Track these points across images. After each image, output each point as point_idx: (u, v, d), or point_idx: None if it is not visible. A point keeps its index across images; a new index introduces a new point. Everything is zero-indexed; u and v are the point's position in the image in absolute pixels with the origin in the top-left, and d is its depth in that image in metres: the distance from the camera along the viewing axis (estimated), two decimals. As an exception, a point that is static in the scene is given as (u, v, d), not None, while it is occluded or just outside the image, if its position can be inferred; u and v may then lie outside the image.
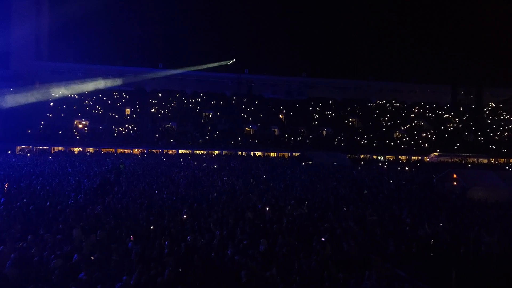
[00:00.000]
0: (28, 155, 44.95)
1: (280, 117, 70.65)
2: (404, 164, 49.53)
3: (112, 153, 50.98)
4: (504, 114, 76.00)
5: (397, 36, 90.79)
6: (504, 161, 57.95)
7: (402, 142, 63.15)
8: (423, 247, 11.41)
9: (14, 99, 55.68)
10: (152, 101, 68.72)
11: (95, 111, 63.39)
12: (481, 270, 9.63)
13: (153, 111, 65.70)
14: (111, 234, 10.51)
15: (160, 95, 70.98)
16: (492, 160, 57.48)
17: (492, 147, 61.08)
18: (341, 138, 62.47)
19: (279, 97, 75.49)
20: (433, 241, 11.77)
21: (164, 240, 9.93)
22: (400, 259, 10.07)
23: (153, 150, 53.42)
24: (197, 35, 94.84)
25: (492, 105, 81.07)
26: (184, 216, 13.13)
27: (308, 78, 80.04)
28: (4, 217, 11.84)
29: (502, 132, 68.01)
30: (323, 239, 10.51)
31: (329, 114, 71.97)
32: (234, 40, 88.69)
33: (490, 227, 13.08)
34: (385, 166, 42.54)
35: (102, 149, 52.51)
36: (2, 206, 13.07)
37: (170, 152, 53.68)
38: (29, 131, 53.46)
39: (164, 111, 66.33)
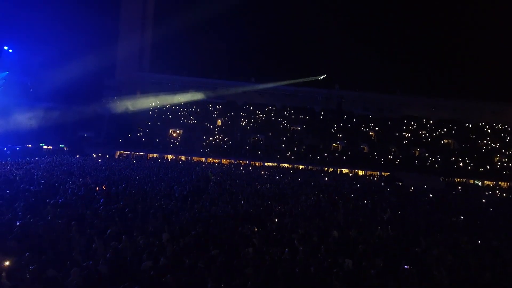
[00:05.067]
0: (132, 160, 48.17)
1: (370, 134, 68.86)
2: (505, 191, 45.79)
3: (202, 162, 52.99)
4: None
5: (500, 53, 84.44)
6: None
7: (503, 167, 58.48)
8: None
9: (117, 107, 60.24)
10: (242, 113, 70.46)
11: (188, 121, 66.41)
12: None
13: (243, 124, 67.29)
14: (198, 241, 10.83)
15: (250, 108, 72.57)
16: None
17: None
18: (435, 159, 59.36)
19: (370, 114, 73.59)
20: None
21: (248, 251, 10.03)
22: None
23: (241, 161, 54.60)
24: (289, 49, 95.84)
25: None
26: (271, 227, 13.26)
27: (401, 95, 77.01)
28: (103, 217, 12.70)
29: None
30: (406, 266, 9.97)
31: (423, 133, 68.82)
32: (325, 55, 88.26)
33: None
34: (489, 193, 39.48)
35: (193, 158, 54.79)
36: (102, 207, 14.04)
37: (257, 164, 54.53)
38: (129, 135, 57.36)
39: (253, 124, 67.68)
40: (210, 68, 78.25)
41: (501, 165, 59.40)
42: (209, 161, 54.60)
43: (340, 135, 66.15)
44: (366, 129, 69.46)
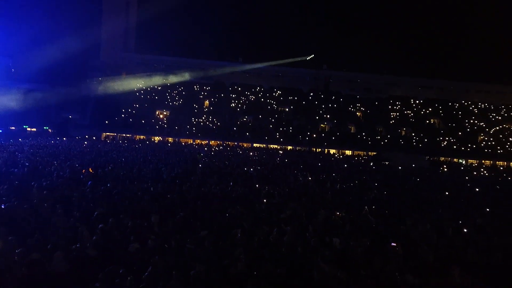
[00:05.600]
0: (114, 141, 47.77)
1: (357, 115, 69.10)
2: (488, 169, 46.43)
3: (190, 143, 52.82)
4: None
5: (487, 34, 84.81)
6: None
7: (487, 146, 59.28)
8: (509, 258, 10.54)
9: (102, 88, 59.44)
10: (230, 95, 70.06)
11: (175, 103, 65.89)
12: None
13: (231, 105, 66.97)
14: (187, 222, 10.80)
15: (239, 89, 72.13)
16: None
17: None
18: (421, 139, 59.90)
19: (357, 94, 73.63)
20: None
21: (236, 232, 10.02)
22: (483, 271, 9.39)
23: (229, 143, 54.54)
24: (277, 29, 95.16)
25: None
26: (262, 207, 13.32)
27: (388, 75, 77.03)
28: (90, 200, 12.57)
29: None
30: (393, 244, 10.07)
31: (409, 113, 69.25)
32: (313, 35, 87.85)
33: None
34: (475, 173, 39.95)
35: (181, 139, 54.58)
36: (89, 189, 13.89)
37: (245, 145, 54.53)
38: (116, 118, 56.78)
39: (241, 105, 67.40)
40: (196, 48, 77.45)
41: (485, 144, 60.19)
42: (197, 142, 54.43)
43: (328, 116, 66.26)
44: (353, 110, 69.66)
